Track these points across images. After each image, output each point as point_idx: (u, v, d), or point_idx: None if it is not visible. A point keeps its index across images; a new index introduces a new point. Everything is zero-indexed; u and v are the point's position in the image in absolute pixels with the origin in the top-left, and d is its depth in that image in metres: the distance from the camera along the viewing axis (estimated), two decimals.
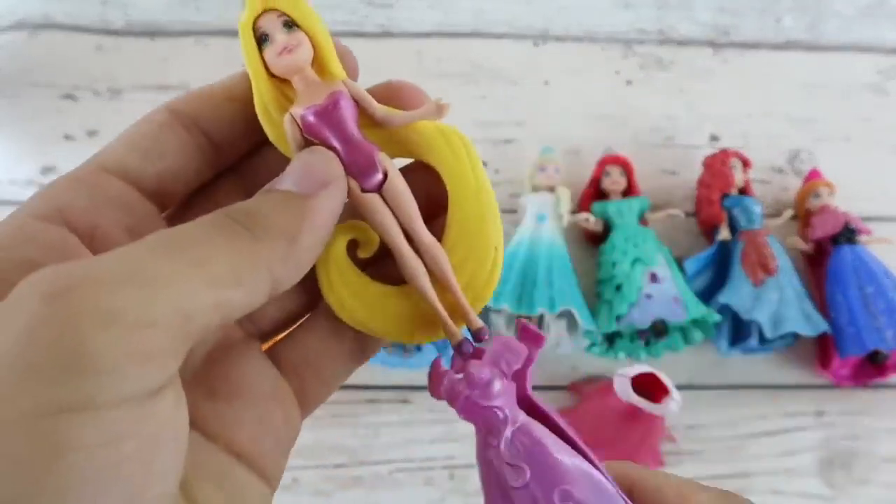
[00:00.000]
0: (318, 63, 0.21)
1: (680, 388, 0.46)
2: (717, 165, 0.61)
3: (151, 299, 0.14)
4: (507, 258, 0.56)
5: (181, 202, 0.21)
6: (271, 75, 0.21)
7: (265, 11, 0.20)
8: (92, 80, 0.67)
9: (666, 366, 0.55)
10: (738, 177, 0.61)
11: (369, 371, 0.55)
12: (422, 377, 0.33)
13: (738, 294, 0.56)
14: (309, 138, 0.20)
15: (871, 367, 0.57)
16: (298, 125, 0.20)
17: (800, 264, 0.61)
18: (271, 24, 0.20)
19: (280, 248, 0.17)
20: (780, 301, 0.56)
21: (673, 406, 0.45)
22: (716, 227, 0.60)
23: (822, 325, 0.55)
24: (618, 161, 0.61)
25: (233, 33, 0.69)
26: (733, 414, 0.57)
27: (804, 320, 0.55)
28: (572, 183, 0.62)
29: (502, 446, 0.20)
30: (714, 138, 0.68)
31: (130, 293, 0.14)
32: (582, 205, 0.62)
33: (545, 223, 0.57)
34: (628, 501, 0.20)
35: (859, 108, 0.70)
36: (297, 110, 0.20)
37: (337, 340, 0.22)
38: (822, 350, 0.58)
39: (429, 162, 0.22)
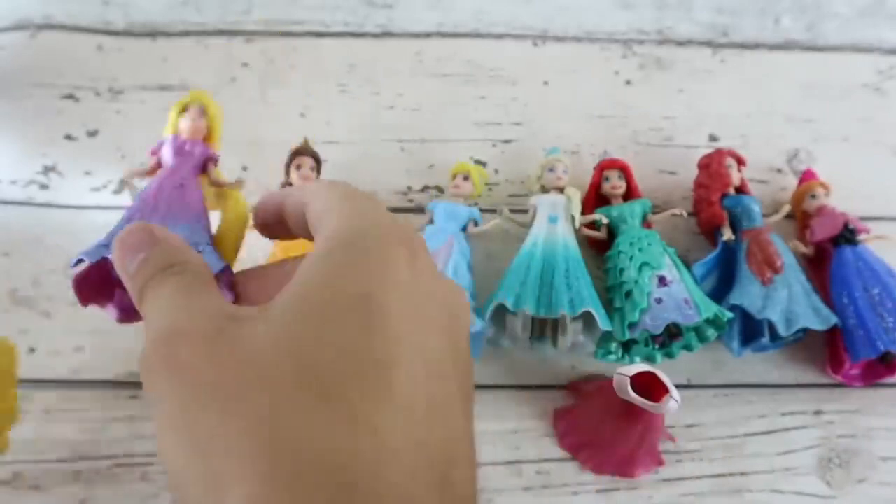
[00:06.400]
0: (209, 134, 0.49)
1: (679, 387, 0.46)
2: (714, 166, 0.60)
3: None
4: (524, 259, 0.56)
5: None
6: None
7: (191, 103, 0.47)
8: (93, 80, 0.67)
9: (665, 365, 0.56)
10: (735, 176, 0.60)
11: None
12: None
13: (748, 294, 0.55)
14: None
15: (880, 367, 0.56)
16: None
17: (801, 264, 0.61)
18: (193, 111, 0.48)
19: None
20: (790, 298, 0.55)
21: (672, 405, 0.45)
22: (717, 228, 0.60)
23: (832, 319, 0.54)
24: (616, 165, 0.60)
25: (233, 33, 0.70)
26: (732, 413, 0.57)
27: (814, 315, 0.54)
28: (571, 183, 0.62)
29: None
30: (713, 138, 0.68)
31: None
32: (583, 211, 0.61)
33: (558, 224, 0.57)
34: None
35: (858, 108, 0.70)
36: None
37: None
38: (833, 353, 0.57)
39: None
